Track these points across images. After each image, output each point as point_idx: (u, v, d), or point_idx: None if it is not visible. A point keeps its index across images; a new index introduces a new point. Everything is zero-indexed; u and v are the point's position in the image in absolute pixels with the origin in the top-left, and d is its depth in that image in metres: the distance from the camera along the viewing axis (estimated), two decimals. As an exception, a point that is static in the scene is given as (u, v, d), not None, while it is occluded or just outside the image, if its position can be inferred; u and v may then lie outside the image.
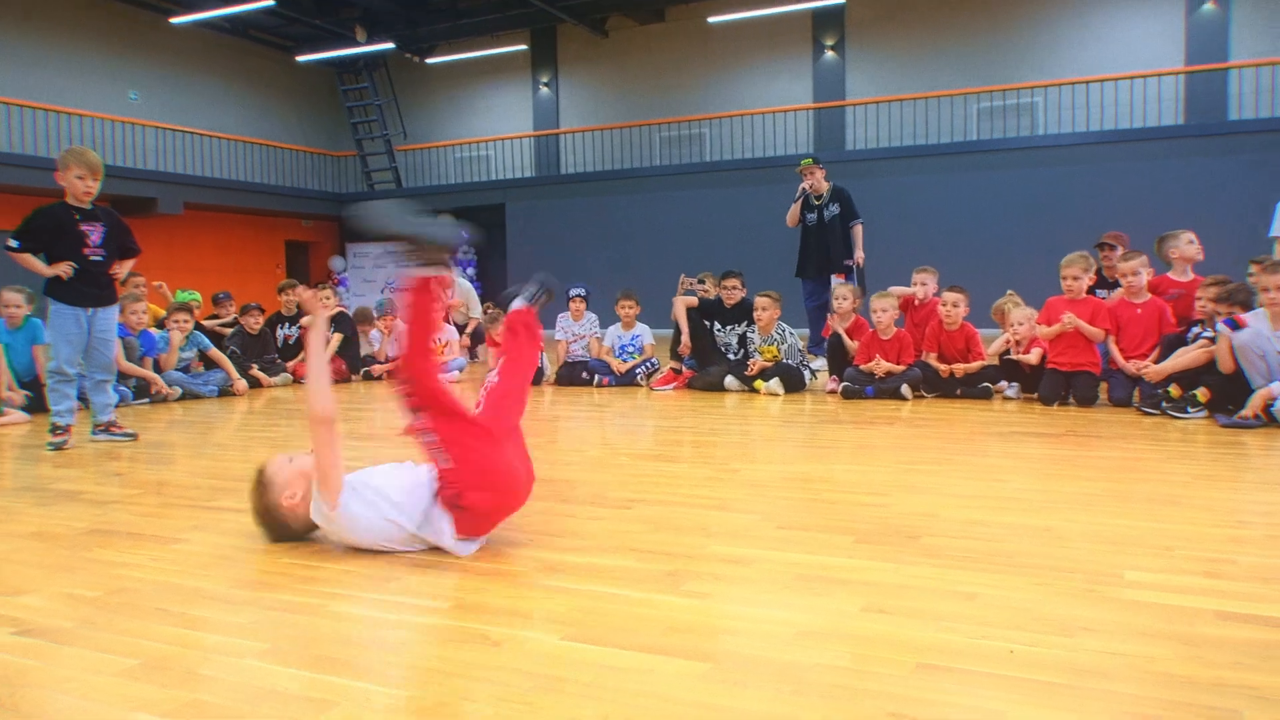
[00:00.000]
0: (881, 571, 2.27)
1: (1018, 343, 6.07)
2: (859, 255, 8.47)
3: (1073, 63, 16.16)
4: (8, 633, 1.95)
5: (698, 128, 18.88)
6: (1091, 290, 6.07)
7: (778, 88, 18.59)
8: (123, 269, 4.94)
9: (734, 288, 7.26)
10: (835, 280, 7.99)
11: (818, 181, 8.62)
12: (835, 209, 8.52)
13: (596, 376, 7.51)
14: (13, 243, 4.60)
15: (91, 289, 4.72)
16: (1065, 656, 1.72)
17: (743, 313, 7.19)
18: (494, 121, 21.32)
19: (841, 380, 6.36)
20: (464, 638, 1.88)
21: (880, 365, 6.16)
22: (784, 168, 16.59)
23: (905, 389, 6.04)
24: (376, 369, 8.67)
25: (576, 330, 7.89)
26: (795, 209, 8.76)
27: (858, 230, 8.53)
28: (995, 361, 6.16)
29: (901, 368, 6.15)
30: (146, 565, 2.48)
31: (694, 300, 7.48)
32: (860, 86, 17.87)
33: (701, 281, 7.91)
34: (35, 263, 4.66)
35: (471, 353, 9.64)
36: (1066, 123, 15.74)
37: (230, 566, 2.45)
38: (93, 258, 4.70)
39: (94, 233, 4.71)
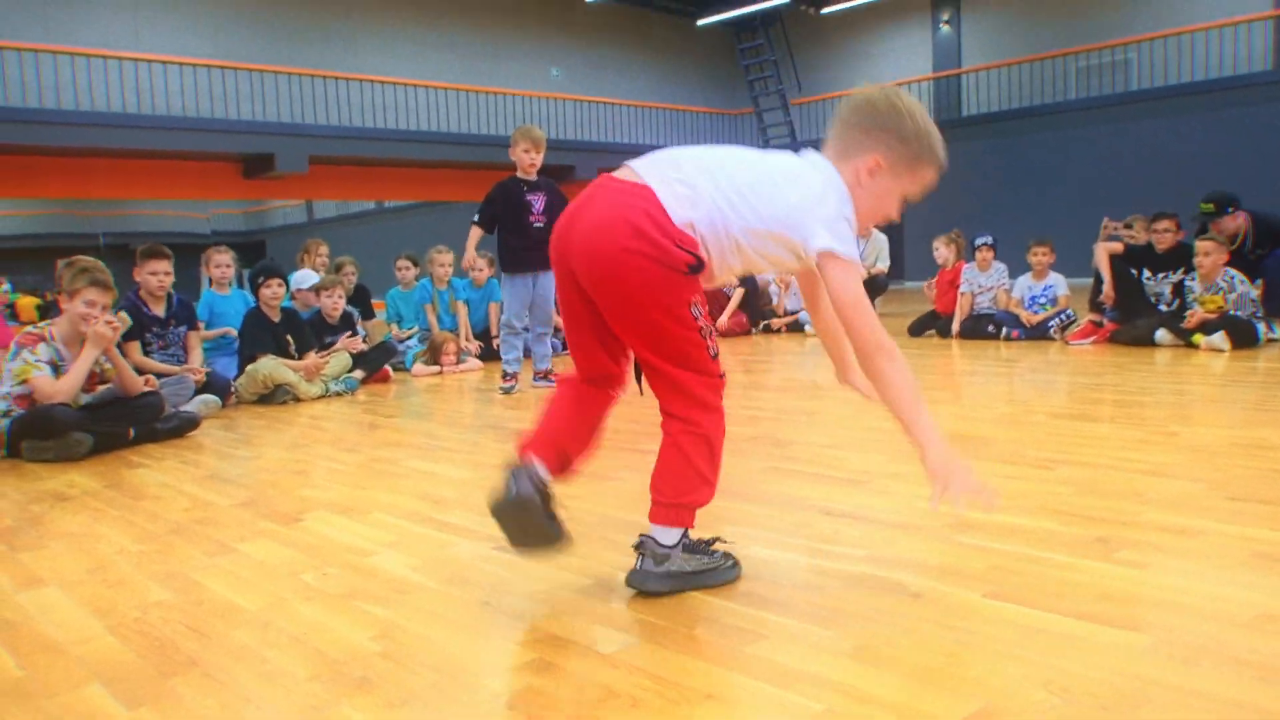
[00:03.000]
0: (1366, 556, 1.96)
1: None
2: None
3: None
4: (489, 547, 2.31)
5: (1121, 53, 16.97)
6: None
7: (1225, -2, 16.16)
8: None
9: (1167, 230, 6.49)
10: None
11: (1230, 230, 6.78)
12: (1261, 252, 6.65)
13: (1005, 329, 7.12)
14: (475, 217, 5.36)
15: (535, 253, 5.34)
16: None
17: (1178, 259, 6.41)
18: (890, 67, 20.73)
19: (1307, 334, 5.48)
20: (882, 587, 1.91)
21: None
22: (1233, 90, 14.49)
23: (1395, 345, 5.08)
24: (775, 322, 8.90)
25: (983, 282, 7.52)
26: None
27: None
28: None
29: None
30: (589, 498, 2.79)
31: (1119, 246, 6.79)
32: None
33: (1129, 226, 7.16)
34: (472, 242, 5.56)
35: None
36: None
37: (660, 502, 2.68)
38: (535, 224, 5.32)
39: (537, 201, 5.33)
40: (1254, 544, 2.07)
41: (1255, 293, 6.09)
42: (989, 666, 1.52)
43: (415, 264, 7.76)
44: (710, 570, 1.96)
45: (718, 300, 8.97)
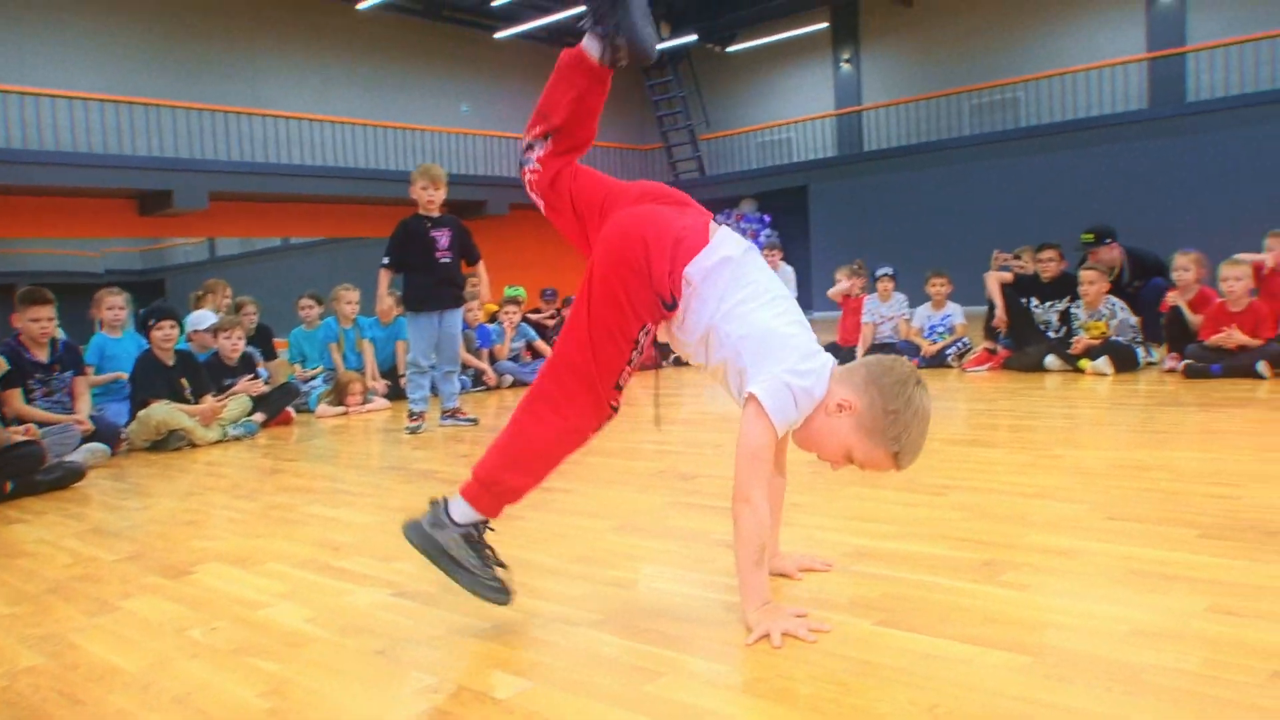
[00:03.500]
0: (1231, 570, 2.06)
1: None
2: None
3: None
4: (387, 594, 2.27)
5: (1011, 91, 17.74)
6: None
7: (1103, 40, 17.04)
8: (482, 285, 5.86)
9: (1050, 259, 6.79)
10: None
11: (1107, 260, 6.75)
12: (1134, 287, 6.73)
13: (905, 358, 7.31)
14: (385, 259, 5.30)
15: (442, 290, 5.30)
16: None
17: (1063, 288, 6.71)
18: (794, 104, 21.27)
19: (1183, 358, 5.77)
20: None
21: (1234, 337, 5.52)
22: (1114, 127, 15.27)
23: (1263, 366, 5.37)
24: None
25: (884, 312, 7.72)
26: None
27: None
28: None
29: (1259, 342, 5.48)
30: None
31: (1009, 276, 7.07)
32: (1208, 28, 15.93)
33: (1018, 257, 7.46)
34: (384, 285, 5.47)
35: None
36: None
37: (563, 543, 2.67)
38: (442, 260, 5.29)
39: (442, 238, 5.30)
40: (1130, 562, 2.16)
41: (1135, 320, 6.40)
42: (879, 694, 1.56)
43: (319, 302, 7.62)
44: (470, 573, 1.94)
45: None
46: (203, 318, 6.42)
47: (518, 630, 1.97)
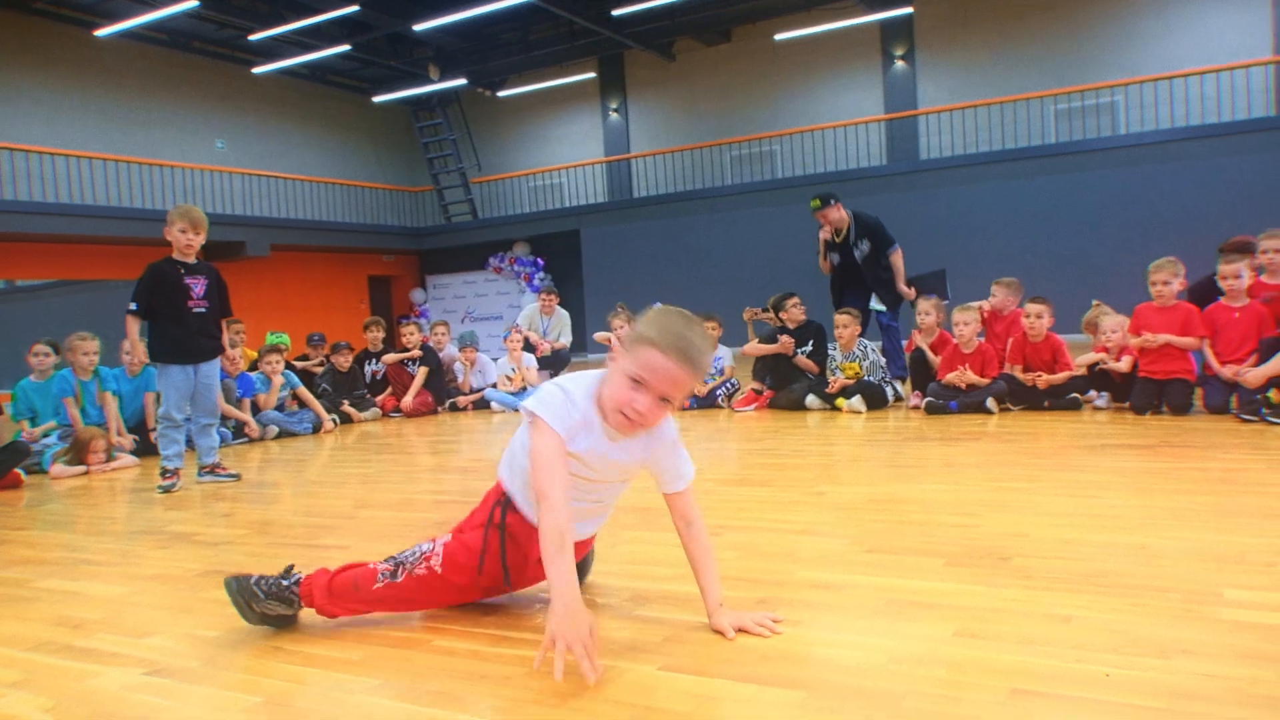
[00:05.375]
0: (973, 595, 2.26)
1: (1106, 350, 5.94)
2: (903, 289, 7.57)
3: (1151, 58, 15.76)
4: (140, 674, 2.08)
5: (768, 145, 18.89)
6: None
7: (848, 100, 18.53)
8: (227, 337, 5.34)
9: (795, 306, 7.31)
10: (873, 302, 7.64)
11: (835, 219, 7.66)
12: (865, 246, 7.61)
13: (677, 400, 7.54)
14: (132, 305, 4.89)
15: (197, 340, 4.96)
16: (1163, 680, 1.70)
17: (809, 331, 7.23)
18: (566, 149, 21.65)
19: (925, 396, 6.30)
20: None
21: (966, 376, 6.09)
22: (858, 180, 16.54)
23: (991, 402, 5.96)
24: (462, 400, 8.86)
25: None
26: (824, 260, 7.90)
27: (897, 259, 7.60)
28: (1084, 372, 6.03)
29: (986, 381, 6.07)
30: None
31: (765, 349, 7.41)
32: (932, 94, 17.70)
33: (766, 310, 7.91)
34: (133, 332, 5.02)
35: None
36: (1150, 120, 15.32)
37: (338, 603, 2.55)
38: (196, 309, 4.96)
39: (197, 286, 4.97)
40: (888, 593, 2.33)
41: (884, 360, 6.95)
42: (663, 741, 1.59)
43: (56, 351, 6.92)
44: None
45: (402, 379, 8.80)
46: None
47: (290, 703, 1.86)
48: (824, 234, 7.82)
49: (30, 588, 3.00)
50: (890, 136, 17.88)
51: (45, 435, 6.27)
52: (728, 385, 7.56)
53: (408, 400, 8.54)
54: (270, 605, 2.25)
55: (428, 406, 8.69)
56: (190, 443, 5.23)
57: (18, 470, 5.51)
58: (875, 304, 7.63)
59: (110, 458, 5.99)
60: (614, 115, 21.17)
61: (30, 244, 15.55)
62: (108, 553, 3.49)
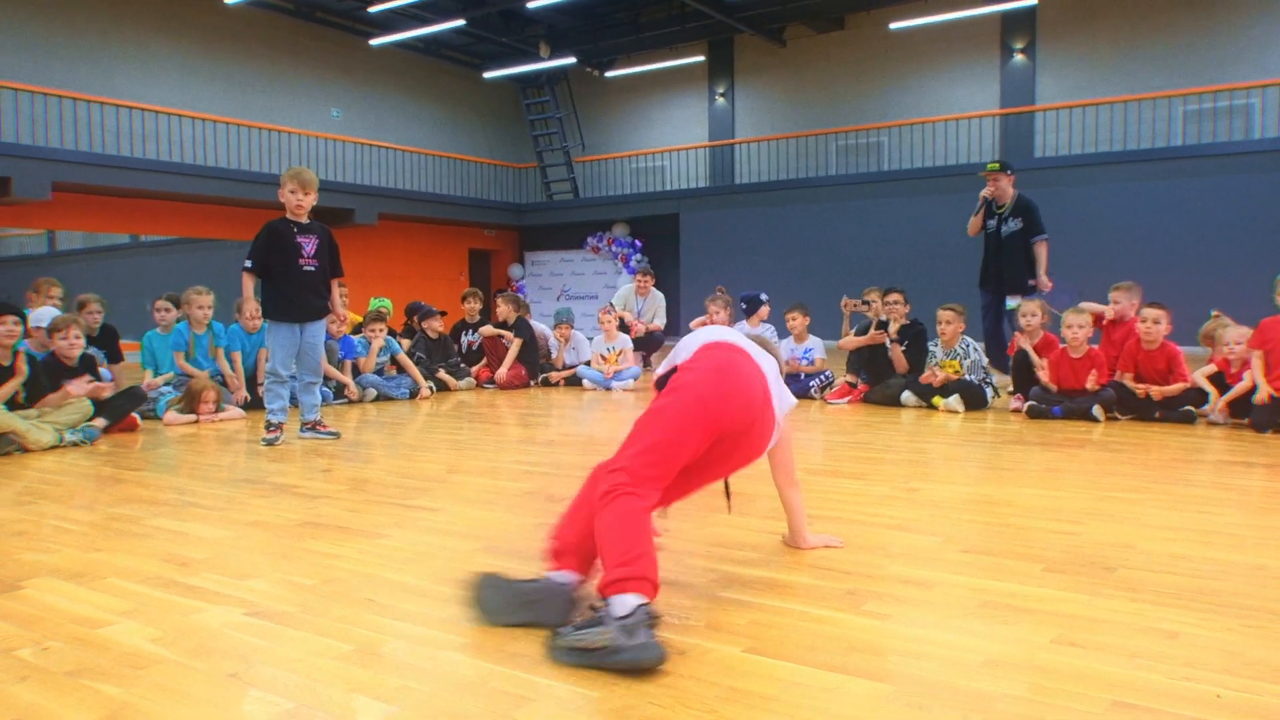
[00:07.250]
0: (1074, 603, 2.18)
1: (1228, 363, 5.66)
2: (1042, 279, 7.48)
3: (1294, 60, 14.91)
4: (241, 613, 2.16)
5: (875, 136, 18.51)
6: None
7: (961, 93, 18.01)
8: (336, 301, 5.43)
9: (897, 303, 7.08)
10: (1010, 301, 7.45)
11: (1000, 189, 7.77)
12: (1016, 224, 7.68)
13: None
14: (248, 263, 5.06)
15: (305, 298, 5.11)
16: (1281, 706, 1.62)
17: (908, 333, 7.00)
18: (669, 132, 21.60)
19: (1027, 399, 6.11)
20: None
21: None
22: (966, 176, 16.06)
23: (1097, 410, 5.75)
24: (554, 376, 8.94)
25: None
26: (976, 218, 8.09)
27: (1040, 249, 7.55)
28: (1198, 385, 5.75)
29: (1094, 387, 5.85)
30: (354, 558, 2.67)
31: (859, 341, 7.31)
32: (1051, 90, 17.07)
33: (866, 302, 7.74)
34: (250, 290, 5.17)
35: (645, 361, 9.78)
36: (1286, 125, 14.51)
37: (429, 563, 2.61)
38: (306, 267, 5.11)
39: (308, 244, 5.12)
40: (982, 594, 2.26)
41: (986, 360, 6.75)
42: (747, 722, 1.57)
43: (176, 305, 7.22)
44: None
45: (497, 351, 8.92)
46: (45, 314, 6.01)
47: (380, 653, 1.91)
48: (986, 192, 7.92)
49: (142, 524, 3.15)
50: (1004, 132, 17.32)
51: (165, 384, 6.56)
52: (821, 377, 7.45)
53: (502, 372, 8.65)
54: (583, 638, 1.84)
55: (521, 379, 8.79)
56: (294, 399, 5.40)
57: (135, 414, 5.78)
58: (1011, 302, 7.39)
59: (220, 409, 6.23)
60: (720, 100, 21.01)
61: (157, 201, 16.26)
62: (214, 498, 3.64)
